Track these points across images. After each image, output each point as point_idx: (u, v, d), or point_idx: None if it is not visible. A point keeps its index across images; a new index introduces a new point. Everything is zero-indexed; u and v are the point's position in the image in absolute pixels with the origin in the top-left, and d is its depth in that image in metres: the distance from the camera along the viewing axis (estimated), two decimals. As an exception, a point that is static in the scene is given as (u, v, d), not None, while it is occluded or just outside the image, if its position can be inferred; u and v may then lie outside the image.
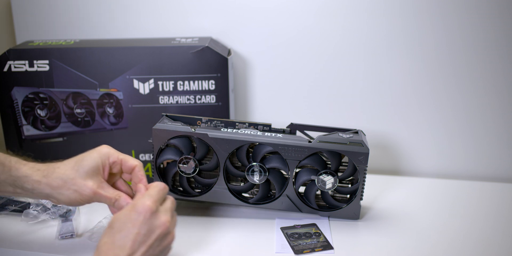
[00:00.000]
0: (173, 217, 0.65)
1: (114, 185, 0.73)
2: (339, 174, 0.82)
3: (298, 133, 0.89)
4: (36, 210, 0.83)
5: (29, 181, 0.67)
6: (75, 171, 0.67)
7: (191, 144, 0.83)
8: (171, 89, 0.95)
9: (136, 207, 0.61)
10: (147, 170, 0.98)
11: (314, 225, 0.82)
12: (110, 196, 0.68)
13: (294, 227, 0.81)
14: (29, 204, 0.85)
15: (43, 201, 0.84)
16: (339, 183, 0.82)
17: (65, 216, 0.83)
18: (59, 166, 0.68)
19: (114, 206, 0.69)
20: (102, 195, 0.67)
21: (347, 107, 1.05)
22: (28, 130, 0.96)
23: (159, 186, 0.65)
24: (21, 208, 0.85)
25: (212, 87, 0.96)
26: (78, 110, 0.96)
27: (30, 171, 0.67)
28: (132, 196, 0.71)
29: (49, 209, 0.83)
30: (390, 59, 1.01)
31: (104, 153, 0.70)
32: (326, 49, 1.03)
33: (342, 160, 0.82)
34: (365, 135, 0.85)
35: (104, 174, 0.70)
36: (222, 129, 0.83)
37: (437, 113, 1.02)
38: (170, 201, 0.66)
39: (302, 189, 0.85)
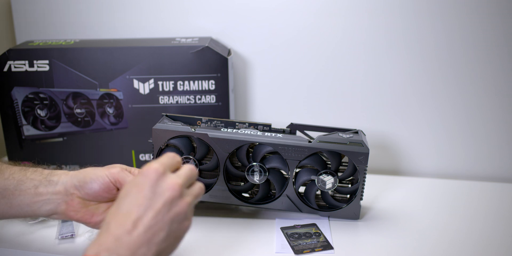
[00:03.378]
0: (190, 187, 0.60)
1: None
2: (339, 174, 0.82)
3: (298, 133, 0.89)
4: (36, 210, 0.82)
5: (57, 174, 0.70)
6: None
7: (191, 144, 0.83)
8: (171, 89, 0.95)
9: (142, 171, 0.57)
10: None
11: (314, 225, 0.82)
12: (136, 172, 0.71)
13: (294, 227, 0.81)
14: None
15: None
16: (339, 183, 0.82)
17: (65, 216, 0.83)
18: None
19: None
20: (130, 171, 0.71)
21: (347, 107, 1.05)
22: (28, 130, 0.96)
23: (169, 153, 0.61)
24: (21, 208, 0.84)
25: (212, 87, 0.96)
26: (78, 110, 0.96)
27: (61, 171, 0.71)
28: None
29: (49, 209, 0.83)
30: (390, 59, 1.01)
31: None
32: (326, 49, 1.02)
33: (342, 160, 0.82)
34: (365, 135, 0.85)
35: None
36: (222, 129, 0.82)
37: (437, 113, 1.02)
38: (189, 168, 0.61)
39: (302, 189, 0.85)
